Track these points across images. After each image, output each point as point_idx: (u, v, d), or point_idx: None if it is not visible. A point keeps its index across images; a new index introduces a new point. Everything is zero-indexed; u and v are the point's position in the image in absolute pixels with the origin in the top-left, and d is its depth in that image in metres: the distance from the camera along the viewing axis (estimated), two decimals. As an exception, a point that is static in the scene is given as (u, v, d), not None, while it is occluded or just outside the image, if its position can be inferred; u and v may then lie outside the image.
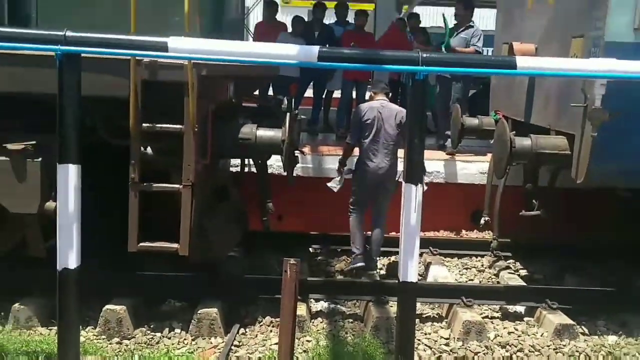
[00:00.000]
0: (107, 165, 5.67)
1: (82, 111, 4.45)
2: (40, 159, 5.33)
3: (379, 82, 7.30)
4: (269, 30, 11.17)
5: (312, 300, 6.48)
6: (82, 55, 4.31)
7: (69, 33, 4.21)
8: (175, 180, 5.52)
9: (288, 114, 6.02)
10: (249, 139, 5.96)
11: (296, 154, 6.27)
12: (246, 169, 7.31)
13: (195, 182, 5.47)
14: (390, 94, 7.24)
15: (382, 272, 7.49)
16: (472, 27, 10.29)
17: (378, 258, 7.20)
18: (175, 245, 5.49)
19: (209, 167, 5.95)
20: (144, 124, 5.34)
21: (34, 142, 5.36)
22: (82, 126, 4.55)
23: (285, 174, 6.44)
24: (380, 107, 6.95)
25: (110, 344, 5.57)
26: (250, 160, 7.04)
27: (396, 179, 6.84)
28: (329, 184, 7.10)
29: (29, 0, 5.54)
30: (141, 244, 5.47)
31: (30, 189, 5.33)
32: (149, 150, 5.51)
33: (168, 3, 5.37)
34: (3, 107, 5.46)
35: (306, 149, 8.96)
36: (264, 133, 5.99)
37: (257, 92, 9.43)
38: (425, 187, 6.49)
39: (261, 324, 6.06)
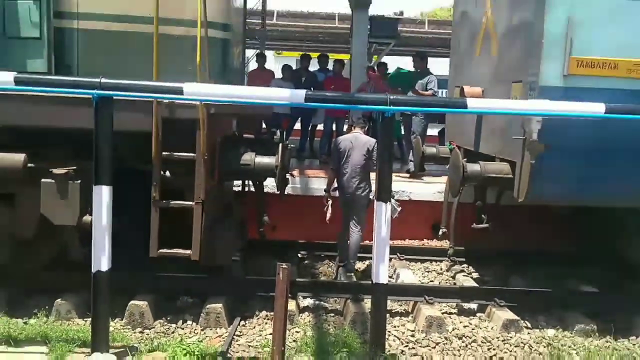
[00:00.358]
0: (133, 185, 5.72)
1: (114, 142, 4.58)
2: (79, 181, 5.36)
3: (358, 117, 7.42)
4: (260, 76, 11.33)
5: (300, 297, 6.46)
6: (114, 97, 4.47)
7: (104, 80, 4.37)
8: (188, 198, 5.60)
9: (280, 144, 6.13)
10: (249, 165, 6.04)
11: (287, 176, 6.34)
12: (246, 189, 7.34)
13: (205, 200, 5.56)
14: (367, 127, 7.34)
15: (359, 274, 7.46)
16: (428, 74, 10.59)
17: (355, 262, 7.19)
18: (188, 252, 5.56)
19: (216, 187, 6.03)
20: (163, 153, 5.44)
21: (74, 167, 5.41)
22: (114, 154, 4.70)
23: (278, 192, 6.49)
24: (352, 138, 7.07)
25: (134, 333, 5.57)
26: (250, 181, 7.09)
27: (370, 197, 6.91)
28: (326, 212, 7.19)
29: (71, 53, 5.55)
30: (160, 250, 5.53)
31: (71, 205, 5.35)
32: (167, 173, 5.59)
33: (184, 55, 5.40)
34: (51, 138, 5.56)
35: (295, 172, 9.06)
36: (261, 160, 6.06)
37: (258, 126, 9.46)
38: (399, 209, 6.71)
39: (258, 317, 6.05)
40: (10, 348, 4.92)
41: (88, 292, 4.81)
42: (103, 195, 4.51)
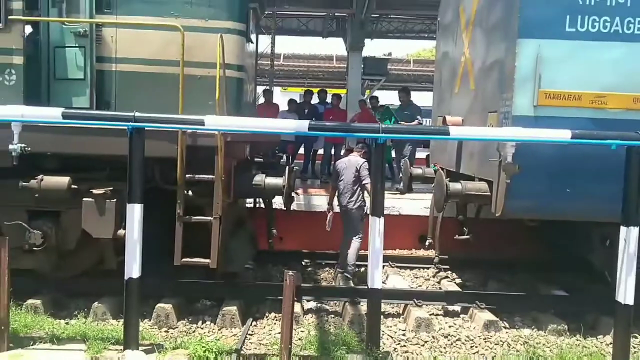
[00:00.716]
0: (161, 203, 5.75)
1: (145, 166, 4.60)
2: (115, 200, 5.40)
3: (358, 143, 7.47)
4: (267, 109, 11.24)
5: (304, 300, 6.38)
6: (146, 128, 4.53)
7: (137, 114, 4.42)
8: (207, 213, 5.58)
9: (287, 167, 6.15)
10: (260, 185, 6.04)
11: (292, 195, 6.32)
12: (257, 205, 7.33)
13: (222, 215, 5.54)
14: (364, 151, 7.21)
15: (356, 279, 7.32)
16: (412, 105, 10.62)
17: (354, 267, 7.11)
18: (207, 260, 5.53)
19: (232, 204, 6.00)
20: (187, 175, 5.44)
21: (111, 188, 5.44)
22: (144, 176, 4.73)
23: (285, 208, 6.47)
24: (346, 160, 7.14)
25: (160, 332, 5.53)
26: (260, 199, 7.08)
27: (364, 209, 6.91)
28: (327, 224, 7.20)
29: (110, 91, 5.68)
30: (184, 259, 5.51)
31: (108, 220, 5.39)
32: (189, 192, 5.58)
33: (205, 92, 5.49)
34: (93, 163, 5.64)
35: (299, 191, 9.02)
36: (271, 180, 6.07)
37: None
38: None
39: (268, 318, 6.00)
40: (53, 345, 4.91)
41: (121, 296, 4.79)
42: (135, 212, 4.55)
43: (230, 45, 5.62)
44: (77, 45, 5.64)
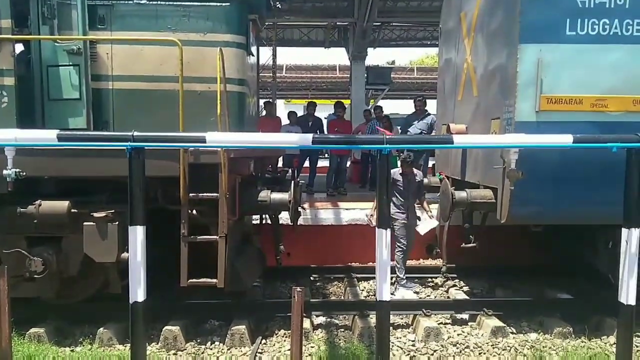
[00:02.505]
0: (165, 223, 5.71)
1: (147, 186, 4.49)
2: (117, 223, 5.33)
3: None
4: (269, 122, 11.17)
5: (313, 315, 6.34)
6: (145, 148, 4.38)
7: (136, 134, 4.26)
8: (213, 232, 5.54)
9: (293, 182, 6.12)
10: (265, 201, 6.00)
11: (299, 209, 6.32)
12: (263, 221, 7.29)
13: (227, 233, 5.50)
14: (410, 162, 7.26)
15: (364, 292, 7.39)
16: (429, 114, 10.50)
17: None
18: (214, 280, 5.49)
19: (237, 221, 5.96)
20: (190, 194, 5.41)
21: (112, 210, 5.37)
22: (147, 196, 4.60)
23: (292, 224, 6.44)
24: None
25: (168, 355, 5.48)
26: (266, 214, 7.03)
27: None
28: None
29: (107, 110, 5.57)
30: (190, 280, 5.47)
31: (110, 244, 5.32)
32: (194, 212, 5.54)
33: (206, 108, 5.41)
34: (91, 186, 5.56)
35: (306, 205, 9.01)
36: (276, 196, 6.04)
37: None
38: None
39: (278, 335, 5.95)
40: (59, 374, 4.81)
41: (127, 321, 4.63)
42: (137, 234, 4.37)
43: (230, 59, 5.49)
44: (71, 63, 5.46)
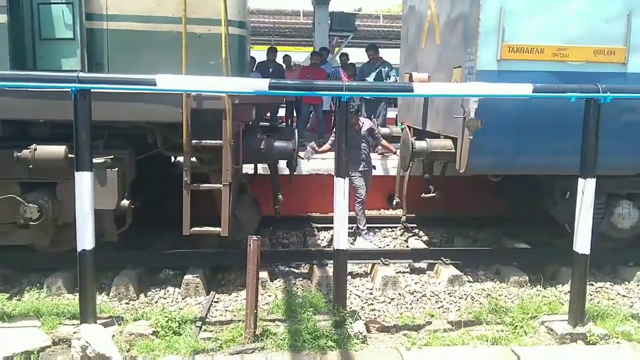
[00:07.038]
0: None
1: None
2: (116, 169, 5.23)
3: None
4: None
5: (272, 265, 6.35)
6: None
7: (81, 74, 4.14)
8: (213, 181, 5.50)
9: (295, 130, 6.10)
10: (268, 149, 5.97)
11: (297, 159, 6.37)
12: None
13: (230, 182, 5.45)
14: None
15: (324, 242, 7.45)
16: (386, 62, 10.45)
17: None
18: (218, 229, 5.45)
19: (237, 171, 5.87)
20: (193, 141, 5.29)
21: (112, 156, 5.24)
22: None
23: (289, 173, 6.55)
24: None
25: (120, 304, 5.41)
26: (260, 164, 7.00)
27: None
28: None
29: (102, 52, 5.29)
30: (193, 228, 5.41)
31: (110, 191, 5.22)
32: (194, 159, 5.44)
33: (206, 51, 5.24)
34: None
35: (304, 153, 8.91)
36: (279, 144, 6.02)
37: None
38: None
39: (234, 285, 5.96)
40: (4, 323, 4.71)
41: (75, 269, 4.55)
42: (84, 180, 4.28)
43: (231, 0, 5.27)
44: (64, 1, 5.23)
